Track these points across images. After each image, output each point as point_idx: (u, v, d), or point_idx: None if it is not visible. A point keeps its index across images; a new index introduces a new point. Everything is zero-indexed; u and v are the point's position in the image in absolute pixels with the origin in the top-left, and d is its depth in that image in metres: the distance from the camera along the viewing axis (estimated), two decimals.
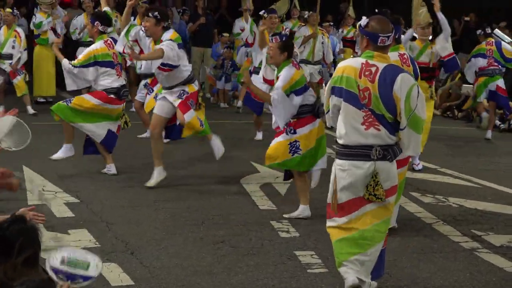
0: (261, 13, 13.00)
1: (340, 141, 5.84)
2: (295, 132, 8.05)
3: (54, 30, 15.53)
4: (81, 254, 4.47)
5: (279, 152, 8.11)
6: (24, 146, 6.07)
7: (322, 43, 14.50)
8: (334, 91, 5.88)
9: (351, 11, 15.31)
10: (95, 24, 9.80)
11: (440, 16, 11.08)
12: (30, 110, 14.35)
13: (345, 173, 5.81)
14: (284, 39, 8.32)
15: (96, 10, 15.34)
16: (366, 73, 5.75)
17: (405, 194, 9.14)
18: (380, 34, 5.80)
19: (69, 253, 4.46)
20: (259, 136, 12.66)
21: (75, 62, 9.72)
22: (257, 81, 9.39)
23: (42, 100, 15.64)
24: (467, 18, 18.14)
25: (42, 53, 15.68)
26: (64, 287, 4.26)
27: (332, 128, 6.23)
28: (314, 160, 8.18)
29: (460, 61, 16.36)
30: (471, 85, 15.82)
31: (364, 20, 5.91)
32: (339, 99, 5.84)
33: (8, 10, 15.09)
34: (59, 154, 9.99)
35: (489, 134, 13.63)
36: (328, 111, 6.02)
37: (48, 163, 10.08)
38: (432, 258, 7.03)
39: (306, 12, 15.44)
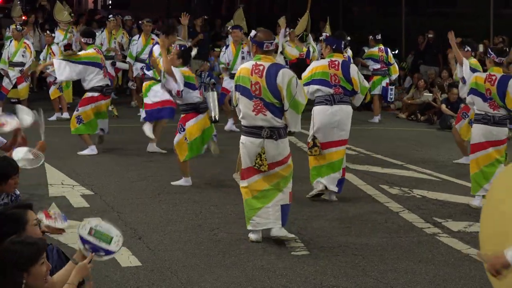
0: (228, 28, 14.61)
1: (243, 123, 6.78)
2: (184, 129, 8.83)
3: (69, 47, 15.39)
4: (107, 227, 4.47)
5: (183, 148, 8.88)
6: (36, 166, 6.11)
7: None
8: (236, 88, 6.80)
9: (328, 30, 15.22)
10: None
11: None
12: None
13: (243, 146, 6.76)
14: (181, 49, 9.25)
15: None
16: (256, 71, 6.64)
17: (375, 187, 9.19)
18: (264, 42, 6.73)
19: (97, 225, 4.47)
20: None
21: None
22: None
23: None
24: (430, 35, 18.07)
25: None
26: (88, 258, 4.29)
27: None
28: (201, 146, 8.98)
29: (427, 73, 16.52)
30: (431, 94, 15.87)
31: (253, 33, 6.84)
32: (239, 93, 6.74)
33: (13, 26, 15.17)
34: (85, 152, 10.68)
35: (376, 119, 15.17)
36: (237, 104, 6.83)
37: (67, 161, 10.05)
38: (399, 242, 7.05)
39: (287, 29, 15.42)
